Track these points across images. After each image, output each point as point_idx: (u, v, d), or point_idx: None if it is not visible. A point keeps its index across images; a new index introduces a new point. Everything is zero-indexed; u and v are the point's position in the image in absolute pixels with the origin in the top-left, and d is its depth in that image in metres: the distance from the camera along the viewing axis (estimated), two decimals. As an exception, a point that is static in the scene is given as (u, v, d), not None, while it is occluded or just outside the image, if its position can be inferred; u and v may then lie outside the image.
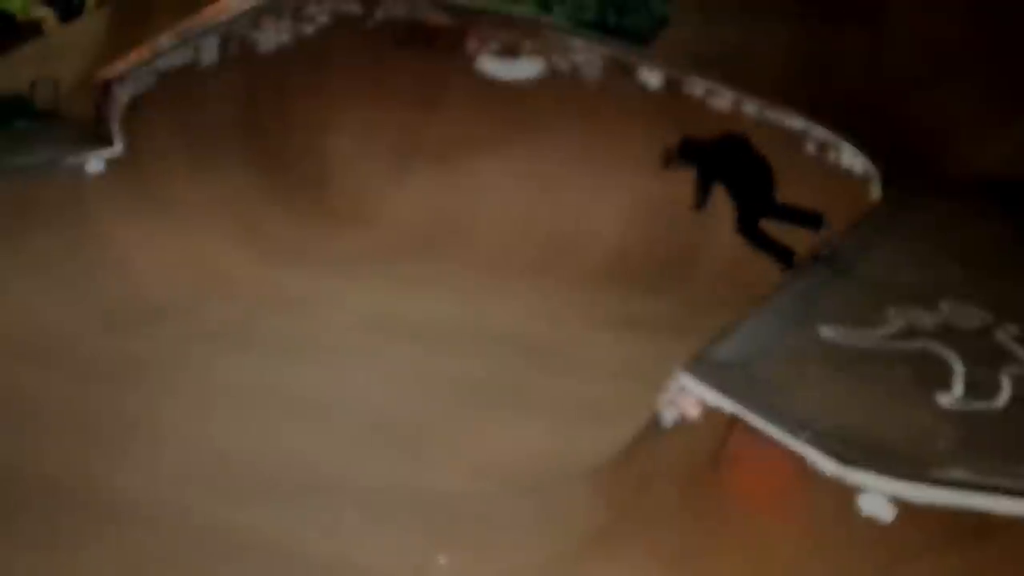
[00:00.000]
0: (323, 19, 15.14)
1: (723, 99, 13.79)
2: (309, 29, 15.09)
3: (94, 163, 13.33)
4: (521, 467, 9.56)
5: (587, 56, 14.55)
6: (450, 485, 9.39)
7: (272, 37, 14.94)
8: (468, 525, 8.85)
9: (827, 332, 9.24)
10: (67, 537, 8.61)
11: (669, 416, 8.58)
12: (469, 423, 10.33)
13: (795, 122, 13.36)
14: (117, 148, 13.50)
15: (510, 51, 14.83)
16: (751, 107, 13.63)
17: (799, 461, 7.57)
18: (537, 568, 8.31)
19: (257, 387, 11.01)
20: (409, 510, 9.06)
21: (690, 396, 8.41)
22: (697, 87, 13.92)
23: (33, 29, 15.75)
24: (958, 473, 7.21)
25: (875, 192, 12.45)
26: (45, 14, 15.84)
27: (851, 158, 12.91)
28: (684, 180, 13.43)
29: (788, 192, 12.74)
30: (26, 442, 9.87)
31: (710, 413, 8.23)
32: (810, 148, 13.25)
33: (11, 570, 8.22)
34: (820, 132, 13.20)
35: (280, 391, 10.93)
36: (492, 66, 14.88)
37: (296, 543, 8.60)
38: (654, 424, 8.73)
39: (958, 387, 8.42)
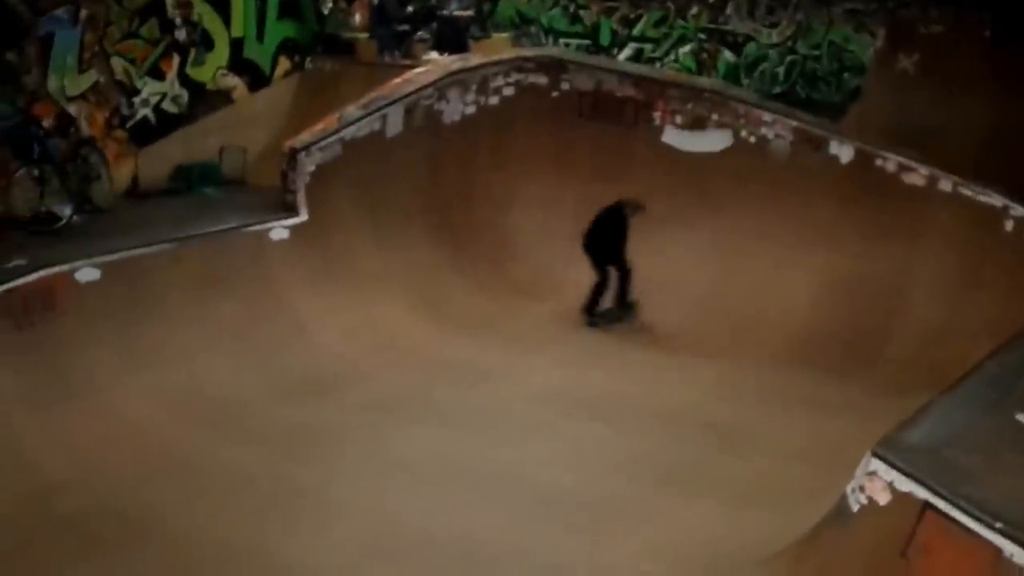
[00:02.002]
0: (508, 91, 15.60)
1: (917, 174, 13.72)
2: (494, 100, 15.56)
3: (278, 231, 13.91)
4: (697, 550, 9.58)
5: (775, 129, 14.65)
6: (625, 565, 9.44)
7: (457, 108, 15.45)
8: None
9: (1024, 419, 9.23)
10: None
11: (856, 502, 8.60)
12: (645, 502, 10.40)
13: (994, 198, 13.20)
14: (301, 216, 14.08)
15: (696, 123, 15.04)
16: (946, 183, 13.53)
17: (993, 552, 7.50)
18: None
19: (432, 460, 11.26)
20: None
21: (879, 481, 8.38)
22: (890, 162, 13.88)
23: (222, 97, 16.25)
24: None
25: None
26: (235, 83, 16.32)
27: (1054, 235, 12.75)
28: (874, 258, 13.49)
29: (988, 271, 12.68)
30: (203, 506, 10.33)
31: (900, 499, 8.18)
32: (1009, 225, 13.06)
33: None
34: (1020, 210, 12.98)
35: (455, 464, 11.16)
36: (678, 138, 15.11)
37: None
38: (839, 510, 8.74)
39: None
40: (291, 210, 14.13)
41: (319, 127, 14.78)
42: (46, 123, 14.30)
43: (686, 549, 9.63)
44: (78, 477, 10.68)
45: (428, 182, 15.14)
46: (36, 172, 14.05)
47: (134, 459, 11.02)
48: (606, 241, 14.22)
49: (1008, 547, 7.46)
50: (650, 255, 14.60)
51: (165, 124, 15.65)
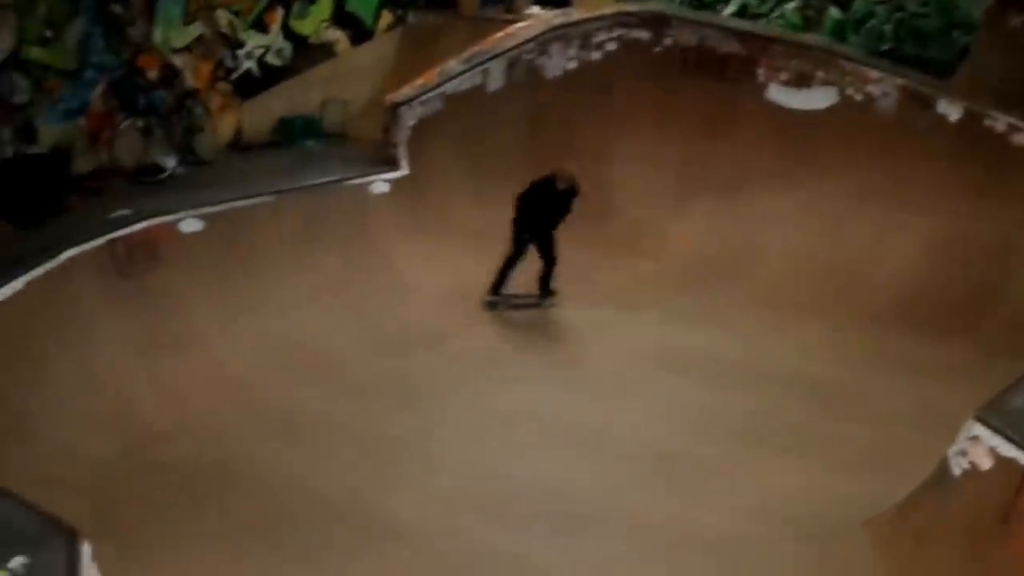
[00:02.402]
0: (611, 46, 15.50)
1: (1029, 132, 13.44)
2: (596, 56, 15.49)
3: (379, 184, 14.09)
4: (799, 512, 9.58)
5: (882, 87, 14.38)
6: (727, 526, 9.47)
7: (559, 63, 15.44)
8: (743, 568, 8.97)
9: None
10: (335, 552, 9.17)
11: (958, 466, 8.54)
12: (743, 464, 10.42)
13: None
14: (402, 170, 14.22)
15: (801, 80, 14.82)
16: (1060, 144, 13.24)
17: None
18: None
19: (529, 414, 11.34)
20: (683, 550, 9.18)
21: (982, 446, 8.32)
22: (999, 122, 13.60)
23: (325, 51, 16.28)
24: None
25: None
26: (337, 36, 16.33)
27: None
28: (982, 219, 13.21)
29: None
30: (302, 458, 10.55)
31: (1003, 464, 8.13)
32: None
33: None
34: None
35: (552, 419, 11.24)
36: (782, 95, 14.91)
37: (560, 573, 8.90)
38: (941, 475, 8.71)
39: None
40: (392, 164, 14.26)
41: (420, 81, 14.86)
42: (151, 75, 14.46)
43: (784, 511, 9.64)
44: (178, 426, 10.94)
45: (528, 137, 15.14)
46: (141, 123, 14.34)
47: (233, 409, 11.26)
48: (534, 216, 13.60)
49: None
50: (753, 214, 14.55)
51: (268, 77, 15.74)
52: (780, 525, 9.44)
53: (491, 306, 13.60)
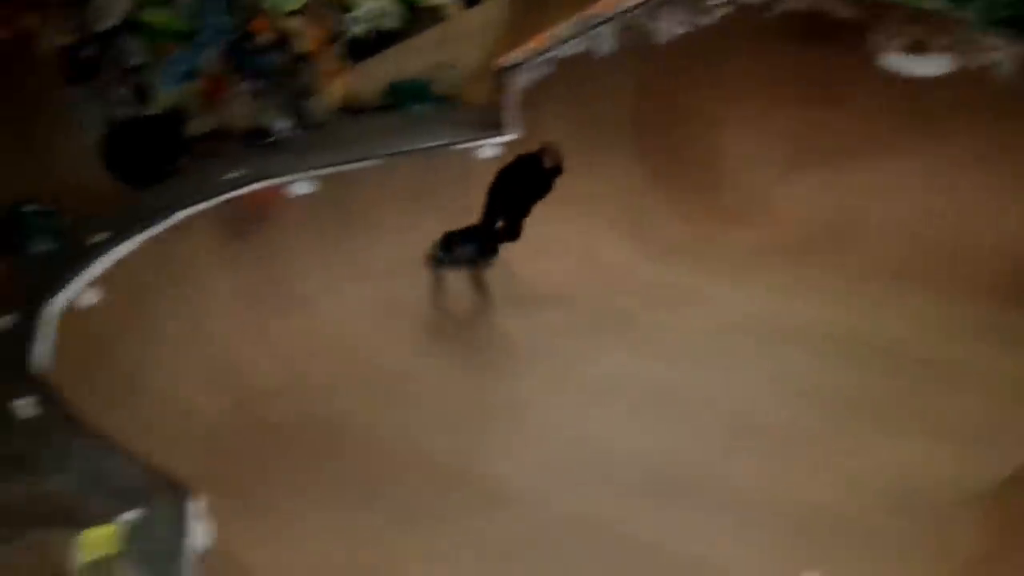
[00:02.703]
0: (722, 10, 15.28)
1: None
2: (708, 20, 15.26)
3: (488, 148, 14.10)
4: (901, 484, 9.47)
5: (1001, 54, 14.00)
6: (824, 498, 9.40)
7: (669, 28, 15.24)
8: (841, 541, 8.87)
9: None
10: (439, 516, 9.29)
11: None
12: (847, 435, 10.30)
13: None
14: (511, 135, 14.21)
15: (918, 47, 14.48)
16: None
17: None
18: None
19: (630, 383, 11.36)
20: (780, 520, 9.14)
21: None
22: (1125, 89, 13.21)
23: (435, 15, 16.27)
24: None
25: None
26: (447, 0, 16.42)
27: None
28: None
29: None
30: (409, 421, 10.70)
31: None
32: None
33: (388, 542, 8.97)
34: None
35: (654, 388, 11.22)
36: (898, 62, 14.58)
37: (660, 541, 8.87)
38: None
39: None
40: (501, 129, 14.27)
41: (531, 46, 14.83)
42: (264, 39, 14.62)
43: (886, 486, 9.53)
44: (288, 385, 11.15)
45: (637, 103, 15.00)
46: (253, 87, 14.49)
47: (339, 369, 11.46)
48: (514, 191, 12.73)
49: None
50: (865, 183, 14.27)
51: (378, 41, 15.80)
52: (882, 499, 9.35)
53: (438, 262, 12.91)
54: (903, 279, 13.07)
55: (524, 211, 12.78)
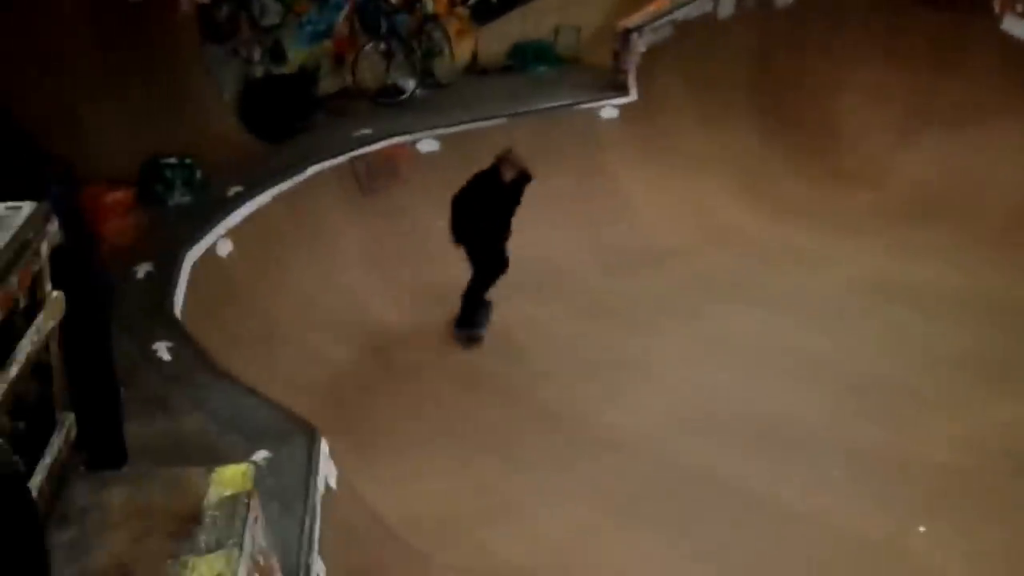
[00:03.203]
0: (843, -25, 14.89)
1: None
2: (827, -16, 14.92)
3: (608, 109, 13.95)
4: (1008, 447, 9.26)
5: None
6: (938, 456, 9.24)
7: (792, -9, 14.91)
8: (951, 497, 8.73)
9: None
10: (555, 462, 9.30)
11: None
12: (963, 395, 10.08)
13: None
14: (631, 96, 14.06)
15: (1040, 11, 14.02)
16: None
17: None
18: (1019, 551, 8.17)
19: (747, 338, 11.24)
20: (893, 476, 9.02)
21: None
22: None
23: (558, -22, 16.27)
24: None
25: None
26: (570, -36, 16.30)
27: None
28: None
29: None
30: (534, 373, 10.67)
31: None
32: None
33: (507, 484, 9.02)
34: None
35: (771, 343, 11.11)
36: (1019, 27, 14.06)
37: (774, 494, 8.79)
38: None
39: None
40: (621, 89, 14.12)
41: (652, 8, 14.64)
42: (394, 0, 14.61)
43: (996, 445, 9.35)
44: (411, 333, 11.20)
45: (756, 66, 14.72)
46: (383, 47, 14.50)
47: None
48: (476, 219, 11.04)
49: None
50: (982, 148, 13.78)
51: (504, 3, 15.71)
52: (996, 458, 9.17)
53: (468, 340, 11.21)
54: (1019, 244, 12.56)
55: (498, 240, 11.31)
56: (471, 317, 11.16)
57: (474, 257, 11.14)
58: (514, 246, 12.27)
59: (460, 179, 12.62)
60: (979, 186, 13.54)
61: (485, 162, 12.83)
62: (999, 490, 8.81)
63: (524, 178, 11.13)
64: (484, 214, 11.01)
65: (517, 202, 11.22)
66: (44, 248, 4.92)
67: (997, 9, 14.27)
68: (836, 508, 8.65)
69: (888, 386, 10.31)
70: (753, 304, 11.87)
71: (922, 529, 8.45)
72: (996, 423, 9.62)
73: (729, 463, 9.18)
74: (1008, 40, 14.17)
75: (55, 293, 5.00)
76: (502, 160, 11.06)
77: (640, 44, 14.30)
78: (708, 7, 14.72)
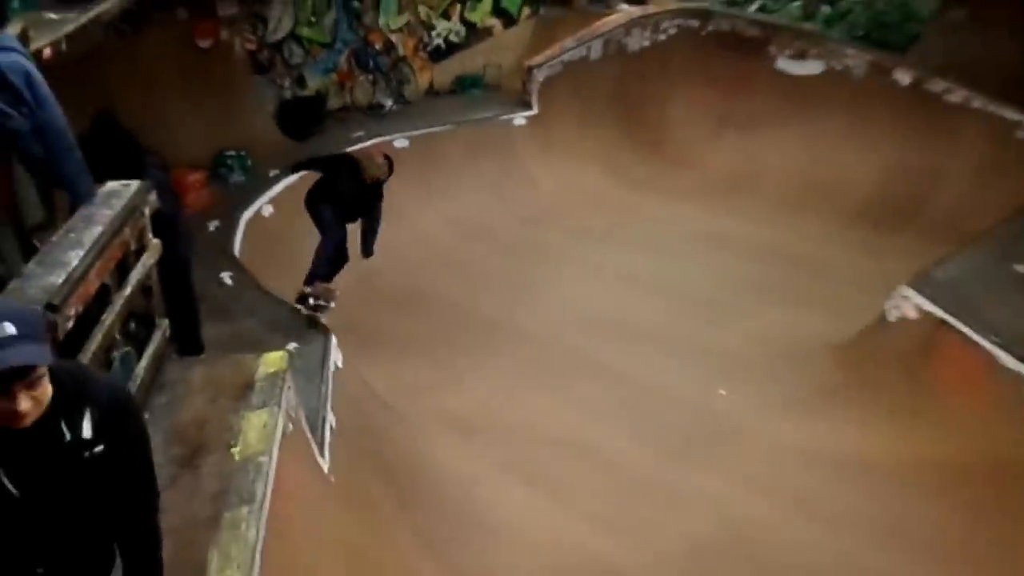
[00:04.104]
0: (672, 30, 14.85)
1: (956, 95, 12.62)
2: (663, 37, 14.86)
3: (519, 119, 13.78)
4: (784, 339, 9.44)
5: (856, 60, 13.62)
6: (732, 345, 9.41)
7: (638, 41, 14.81)
8: (741, 372, 8.91)
9: (1020, 268, 8.62)
10: (490, 349, 9.39)
11: (893, 315, 8.39)
12: (750, 306, 10.24)
13: (1011, 113, 12.07)
14: (534, 111, 13.89)
15: (800, 55, 14.08)
16: (978, 101, 12.41)
17: (988, 356, 7.32)
18: (787, 404, 8.34)
19: (615, 269, 11.25)
20: (702, 357, 9.18)
21: (911, 302, 8.19)
22: (937, 86, 12.78)
23: (486, 32, 15.87)
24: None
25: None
26: (494, 23, 15.90)
27: (1054, 143, 11.66)
28: (923, 151, 12.50)
29: (1003, 165, 11.70)
30: (472, 292, 10.65)
31: (924, 316, 8.01)
32: (1020, 134, 11.95)
33: (455, 363, 9.08)
34: (1032, 123, 11.89)
35: (630, 273, 11.13)
36: (786, 65, 14.17)
37: (627, 368, 8.96)
38: (881, 319, 8.56)
39: (1120, 315, 7.73)
40: (528, 106, 13.95)
41: (547, 52, 14.48)
42: (377, 46, 14.35)
43: (775, 337, 9.54)
44: (392, 266, 11.02)
45: (616, 90, 14.60)
46: (370, 77, 14.27)
47: (426, 257, 11.36)
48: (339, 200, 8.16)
49: (999, 353, 7.29)
50: (766, 144, 13.82)
51: (450, 48, 15.42)
52: (774, 346, 9.34)
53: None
54: (791, 207, 12.76)
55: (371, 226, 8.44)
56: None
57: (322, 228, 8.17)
58: (459, 211, 12.27)
59: (423, 165, 12.55)
60: (764, 168, 13.61)
61: (440, 154, 12.78)
62: (773, 365, 9.01)
63: (377, 185, 8.30)
64: (343, 199, 8.14)
65: (371, 203, 8.35)
66: (147, 210, 4.83)
67: (773, 54, 14.34)
68: (667, 379, 8.79)
69: (707, 300, 10.43)
70: (617, 246, 11.90)
71: (723, 392, 8.62)
72: (774, 324, 9.79)
73: (601, 349, 9.30)
74: (780, 75, 14.24)
75: (154, 240, 4.91)
76: (362, 162, 8.26)
77: (540, 76, 14.13)
78: (584, 53, 14.52)
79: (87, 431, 2.57)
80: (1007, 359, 7.13)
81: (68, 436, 2.54)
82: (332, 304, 7.97)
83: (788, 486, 7.24)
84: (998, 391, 7.15)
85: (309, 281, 8.01)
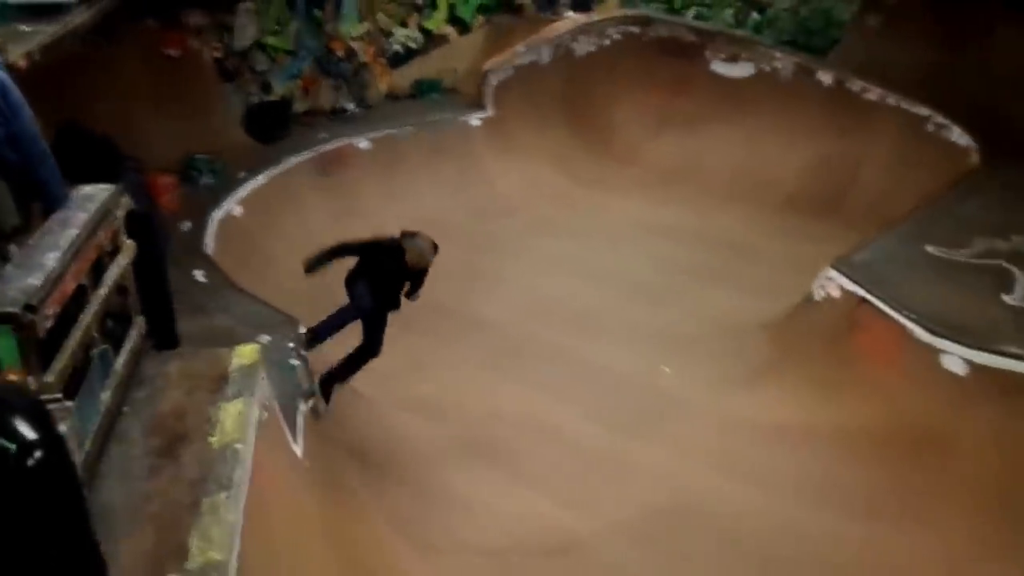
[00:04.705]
0: (616, 36, 14.87)
1: (873, 93, 12.84)
2: (607, 42, 14.87)
3: (475, 120, 13.71)
4: (723, 319, 9.59)
5: (783, 63, 13.80)
6: (676, 326, 9.54)
7: (584, 47, 14.83)
8: (685, 351, 9.04)
9: (931, 249, 8.85)
10: (450, 335, 9.42)
11: (819, 294, 8.54)
12: (692, 289, 10.36)
13: (922, 109, 12.32)
14: (489, 112, 13.84)
15: (733, 58, 14.21)
16: (892, 99, 12.64)
17: (904, 331, 7.49)
18: (727, 379, 8.50)
19: (565, 257, 11.30)
20: (649, 338, 9.30)
21: (834, 283, 8.36)
22: (856, 85, 13.00)
23: (442, 39, 15.73)
24: (1013, 348, 6.92)
25: (974, 159, 11.47)
26: (449, 31, 15.77)
27: (959, 136, 11.83)
28: (843, 145, 12.73)
29: (916, 157, 11.92)
30: (433, 285, 10.26)
31: (846, 295, 8.16)
32: (930, 128, 12.20)
33: (420, 352, 9.03)
34: (938, 117, 12.12)
35: (580, 262, 11.18)
36: (721, 67, 14.29)
37: (579, 351, 9.05)
38: (808, 298, 8.74)
39: (1019, 292, 7.99)
40: (483, 109, 13.89)
41: (501, 58, 14.45)
42: (339, 53, 14.11)
43: (714, 317, 9.71)
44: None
45: (565, 92, 14.58)
46: (333, 82, 14.03)
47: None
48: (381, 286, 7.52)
49: (911, 326, 7.47)
50: (702, 139, 13.92)
51: (408, 55, 15.23)
52: (713, 326, 9.51)
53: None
54: (725, 198, 12.90)
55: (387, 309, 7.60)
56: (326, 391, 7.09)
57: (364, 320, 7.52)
58: (420, 209, 12.11)
59: (384, 165, 12.44)
60: (702, 163, 13.70)
61: (400, 154, 12.67)
62: (713, 344, 9.16)
63: (422, 271, 7.68)
64: (383, 282, 7.50)
65: (414, 284, 7.74)
66: (120, 213, 4.73)
67: (709, 57, 14.45)
68: (617, 359, 8.90)
69: (651, 285, 10.50)
70: (568, 237, 11.91)
71: (667, 370, 8.72)
72: (713, 305, 9.93)
73: (555, 334, 9.37)
74: (716, 76, 14.35)
75: (128, 241, 4.81)
76: (406, 244, 7.56)
77: (494, 80, 14.09)
78: (535, 57, 14.51)
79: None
80: (920, 332, 7.32)
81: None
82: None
83: (730, 455, 7.39)
84: (912, 362, 7.33)
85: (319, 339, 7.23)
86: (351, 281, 7.54)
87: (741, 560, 6.30)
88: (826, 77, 13.39)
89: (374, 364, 8.62)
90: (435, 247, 7.61)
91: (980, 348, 6.96)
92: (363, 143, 12.50)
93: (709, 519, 6.66)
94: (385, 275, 7.44)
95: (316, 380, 6.74)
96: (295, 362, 6.54)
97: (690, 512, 6.73)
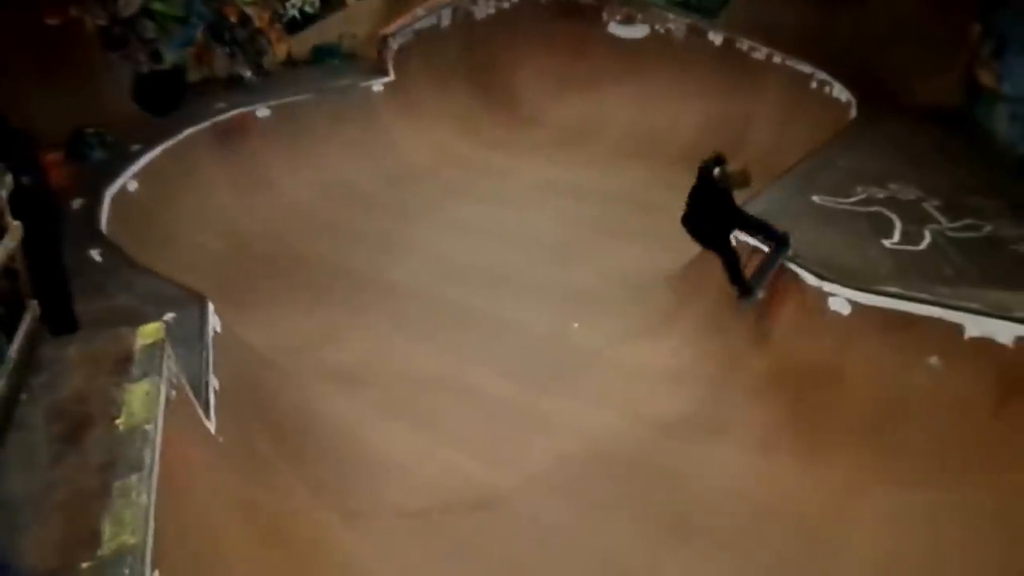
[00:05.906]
0: (516, 0, 14.80)
1: (760, 52, 13.11)
2: (506, 5, 14.74)
3: (377, 85, 13.38)
4: (626, 273, 9.72)
5: (676, 24, 13.94)
6: (583, 282, 9.62)
7: (484, 10, 14.67)
8: (592, 306, 9.16)
9: (817, 199, 9.15)
10: (359, 301, 9.27)
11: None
12: (597, 245, 10.45)
13: (805, 67, 12.60)
14: (391, 77, 13.51)
15: (629, 19, 14.27)
16: (778, 57, 12.92)
17: (795, 276, 7.73)
18: (632, 330, 8.68)
19: (474, 220, 11.21)
20: (558, 295, 9.36)
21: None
22: (744, 44, 13.24)
23: (341, 3, 15.17)
24: (893, 287, 7.25)
25: (853, 113, 11.85)
26: (347, -6, 15.52)
27: (839, 91, 12.15)
28: (732, 103, 12.93)
29: (800, 112, 12.25)
30: (340, 249, 10.38)
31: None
32: (813, 84, 12.51)
33: (332, 319, 8.87)
34: (821, 74, 12.42)
35: (488, 224, 11.12)
36: (617, 29, 14.33)
37: (491, 311, 9.04)
38: (706, 250, 8.82)
39: (897, 235, 8.37)
40: (384, 73, 13.56)
41: (401, 22, 14.14)
42: (233, 19, 13.51)
43: (619, 271, 9.80)
44: (264, 232, 10.73)
45: (467, 56, 14.38)
46: (228, 50, 13.43)
47: (296, 222, 11.00)
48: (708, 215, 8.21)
49: (801, 272, 7.70)
50: (601, 100, 13.94)
51: (306, 20, 14.73)
52: (617, 280, 9.61)
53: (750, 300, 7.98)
54: (626, 156, 12.95)
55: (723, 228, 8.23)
56: (743, 288, 7.99)
57: (711, 248, 8.31)
58: (325, 177, 11.87)
59: (285, 134, 12.05)
60: (602, 123, 13.72)
61: (302, 122, 12.29)
62: (617, 297, 9.28)
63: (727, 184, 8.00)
64: (706, 214, 8.16)
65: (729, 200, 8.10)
66: (3, 193, 4.44)
67: (605, 19, 14.45)
68: (529, 318, 8.94)
69: (557, 244, 10.52)
70: (475, 200, 11.80)
71: (576, 325, 8.83)
72: (617, 261, 10.02)
73: (466, 295, 9.32)
74: (613, 38, 14.38)
75: (15, 222, 4.54)
76: (714, 162, 8.12)
77: (394, 44, 13.76)
78: (435, 21, 14.28)
79: None
80: (808, 277, 7.58)
81: None
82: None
83: (635, 402, 7.58)
84: (801, 305, 7.61)
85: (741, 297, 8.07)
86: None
87: (652, 503, 6.50)
88: (716, 38, 13.59)
89: (286, 334, 8.47)
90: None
91: (862, 289, 7.27)
92: (262, 111, 12.07)
93: (619, 468, 6.84)
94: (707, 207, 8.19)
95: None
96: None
97: (601, 460, 6.90)
